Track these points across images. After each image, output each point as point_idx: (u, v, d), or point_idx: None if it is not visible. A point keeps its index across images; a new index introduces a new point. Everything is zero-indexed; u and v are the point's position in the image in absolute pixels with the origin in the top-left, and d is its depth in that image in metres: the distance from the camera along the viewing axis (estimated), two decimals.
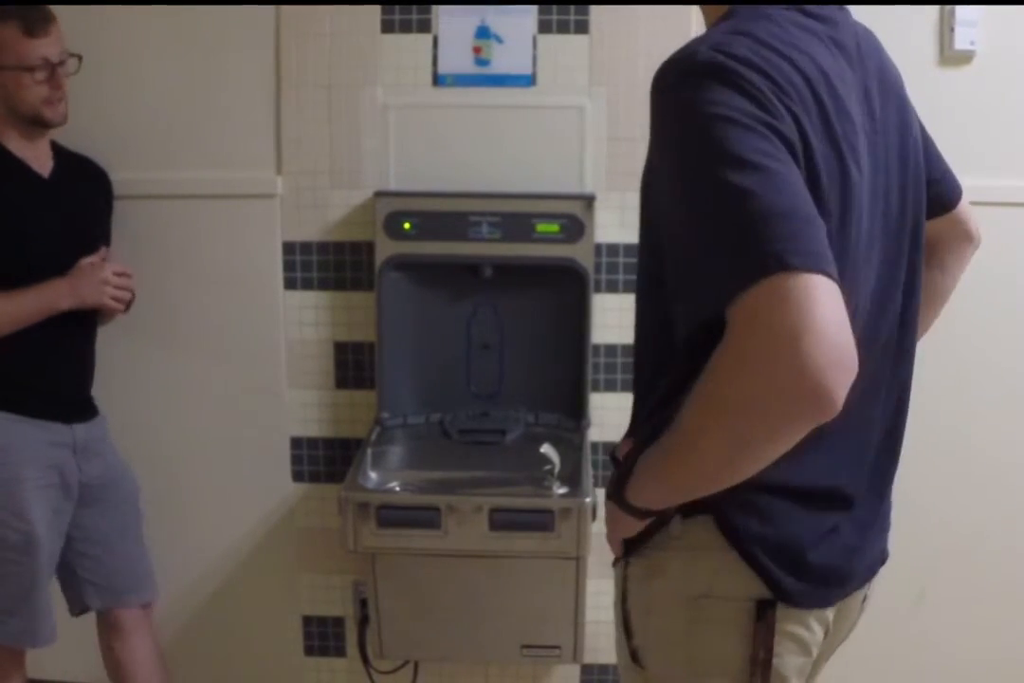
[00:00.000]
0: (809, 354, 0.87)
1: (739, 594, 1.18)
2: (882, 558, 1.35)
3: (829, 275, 0.91)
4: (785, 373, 0.88)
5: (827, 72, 1.12)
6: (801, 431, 0.94)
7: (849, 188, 1.11)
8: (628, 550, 1.27)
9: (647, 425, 1.20)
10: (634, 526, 1.24)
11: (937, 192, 1.38)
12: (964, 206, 1.47)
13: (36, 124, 2.25)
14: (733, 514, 1.17)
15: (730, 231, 0.96)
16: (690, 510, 1.18)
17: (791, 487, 1.16)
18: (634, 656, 1.28)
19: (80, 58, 2.27)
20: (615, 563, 1.34)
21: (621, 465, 1.21)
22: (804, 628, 1.21)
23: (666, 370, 1.19)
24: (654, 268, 1.16)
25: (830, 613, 1.25)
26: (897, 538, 1.38)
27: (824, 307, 0.89)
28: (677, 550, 1.21)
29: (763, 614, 1.17)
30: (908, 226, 1.26)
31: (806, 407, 0.90)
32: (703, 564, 1.19)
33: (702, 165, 1.00)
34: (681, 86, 1.05)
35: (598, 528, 2.20)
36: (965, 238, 1.48)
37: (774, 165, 0.98)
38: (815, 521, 1.20)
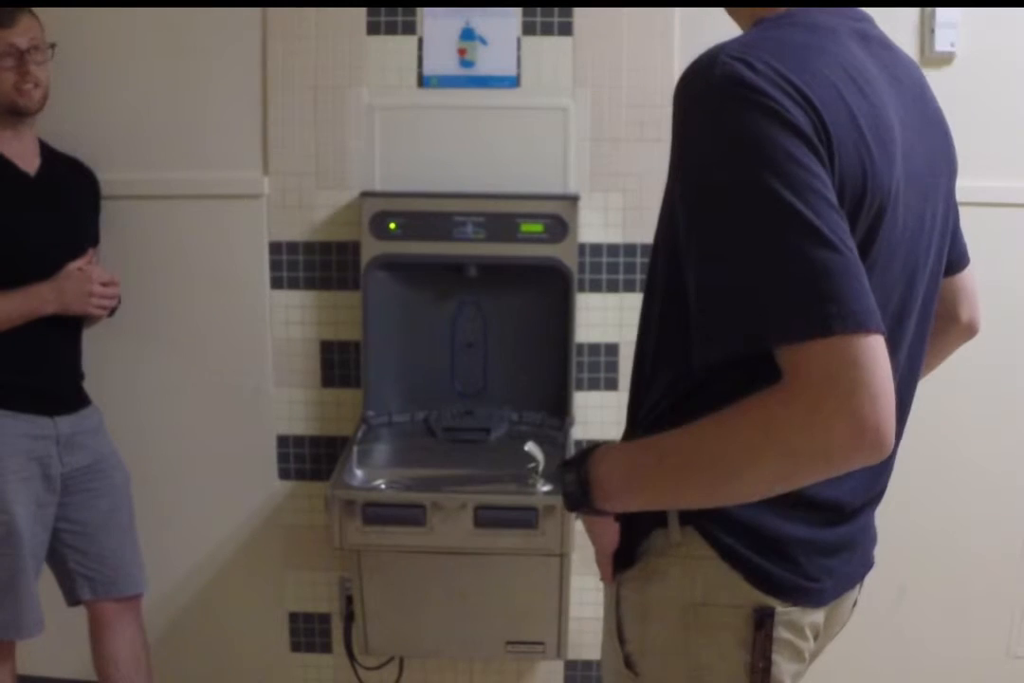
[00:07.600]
0: (880, 411, 0.95)
1: (737, 602, 1.18)
2: (869, 563, 1.35)
3: (883, 333, 0.97)
4: (859, 427, 0.95)
5: (867, 82, 1.10)
6: (852, 469, 1.00)
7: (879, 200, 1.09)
8: (626, 558, 1.25)
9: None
10: (612, 531, 1.24)
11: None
12: (967, 285, 1.42)
13: (13, 113, 2.25)
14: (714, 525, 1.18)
15: (786, 276, 0.97)
16: (686, 519, 1.18)
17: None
18: (627, 662, 1.26)
19: (54, 46, 2.27)
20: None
21: (579, 467, 1.18)
22: (799, 636, 1.21)
23: (671, 380, 1.18)
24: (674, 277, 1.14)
25: (820, 618, 1.24)
26: (879, 536, 1.39)
27: (884, 367, 0.96)
28: (676, 557, 1.20)
29: (761, 623, 1.17)
30: (931, 256, 1.23)
31: (868, 454, 0.97)
32: (702, 572, 1.19)
33: (750, 206, 1.00)
34: (706, 103, 1.04)
35: (582, 525, 2.22)
36: (953, 319, 1.42)
37: (829, 210, 0.99)
38: (801, 518, 1.19)
